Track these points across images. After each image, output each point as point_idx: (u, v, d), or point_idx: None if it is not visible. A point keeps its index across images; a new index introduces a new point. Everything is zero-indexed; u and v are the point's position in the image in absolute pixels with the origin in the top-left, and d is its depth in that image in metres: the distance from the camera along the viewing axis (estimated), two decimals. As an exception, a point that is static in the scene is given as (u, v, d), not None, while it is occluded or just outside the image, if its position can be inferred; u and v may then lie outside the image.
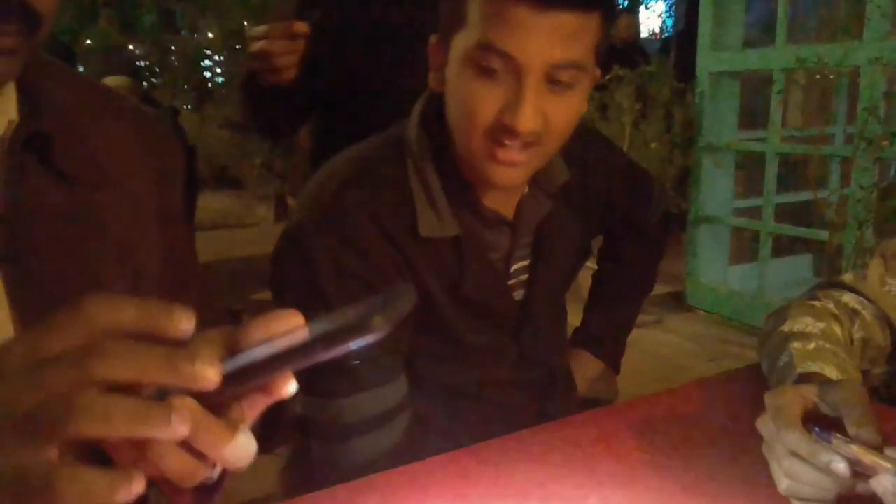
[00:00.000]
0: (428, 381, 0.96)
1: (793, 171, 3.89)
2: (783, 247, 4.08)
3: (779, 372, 0.84)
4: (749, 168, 3.97)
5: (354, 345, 0.36)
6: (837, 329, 0.89)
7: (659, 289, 2.29)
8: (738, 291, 3.72)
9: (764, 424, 0.69)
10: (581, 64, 0.83)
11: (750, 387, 0.91)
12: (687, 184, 3.81)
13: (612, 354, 1.24)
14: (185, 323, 0.39)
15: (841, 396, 0.66)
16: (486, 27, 0.80)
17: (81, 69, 3.51)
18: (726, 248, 3.86)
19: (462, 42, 0.83)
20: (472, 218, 0.93)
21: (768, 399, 0.69)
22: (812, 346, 0.83)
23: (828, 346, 0.83)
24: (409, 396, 0.93)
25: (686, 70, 3.96)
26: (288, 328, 0.41)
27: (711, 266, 3.82)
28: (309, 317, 0.42)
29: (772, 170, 3.42)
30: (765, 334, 0.94)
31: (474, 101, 0.82)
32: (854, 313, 0.93)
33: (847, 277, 0.98)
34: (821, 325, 0.88)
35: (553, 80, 0.81)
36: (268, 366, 0.39)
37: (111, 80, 4.16)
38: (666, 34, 8.29)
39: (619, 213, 1.18)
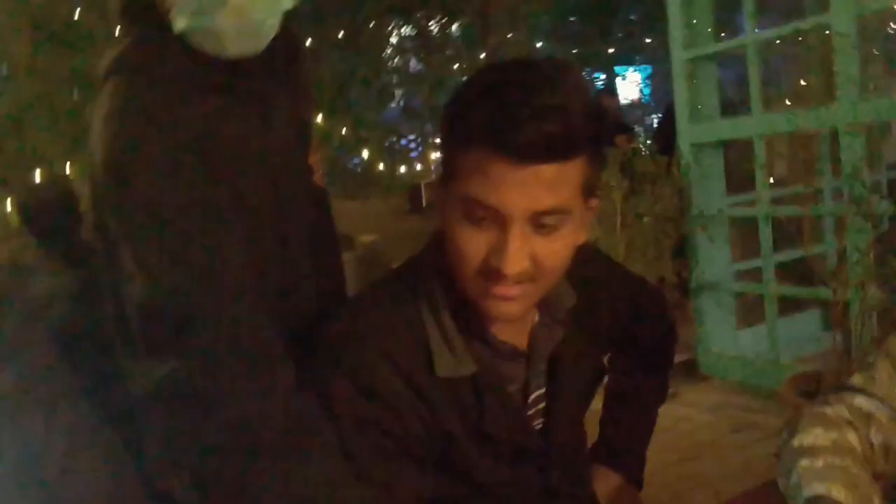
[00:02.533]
0: None
1: (789, 228, 3.88)
2: (790, 304, 4.05)
3: (791, 491, 0.83)
4: (744, 227, 3.99)
5: None
6: (852, 437, 0.89)
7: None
8: (749, 355, 3.69)
9: None
10: (565, 208, 0.85)
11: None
12: (685, 253, 3.83)
13: (633, 469, 1.22)
14: None
15: None
16: (469, 181, 0.84)
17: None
18: (732, 312, 3.85)
19: (453, 191, 0.87)
20: (488, 353, 0.95)
21: None
22: (820, 463, 0.82)
23: (837, 461, 0.82)
24: None
25: (670, 141, 4.04)
26: None
27: (720, 332, 3.80)
28: None
29: (766, 233, 3.45)
30: (779, 447, 0.93)
31: (465, 245, 0.86)
32: (869, 417, 0.92)
33: (857, 379, 0.98)
34: (832, 435, 0.87)
35: (538, 224, 0.84)
36: None
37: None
38: (643, 101, 8.52)
39: (629, 330, 1.18)
